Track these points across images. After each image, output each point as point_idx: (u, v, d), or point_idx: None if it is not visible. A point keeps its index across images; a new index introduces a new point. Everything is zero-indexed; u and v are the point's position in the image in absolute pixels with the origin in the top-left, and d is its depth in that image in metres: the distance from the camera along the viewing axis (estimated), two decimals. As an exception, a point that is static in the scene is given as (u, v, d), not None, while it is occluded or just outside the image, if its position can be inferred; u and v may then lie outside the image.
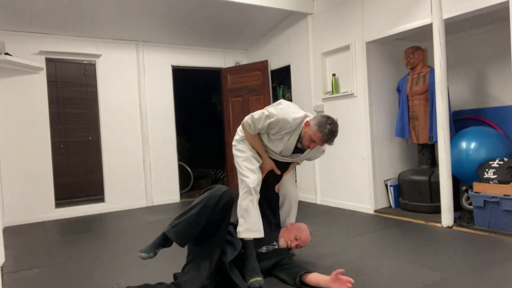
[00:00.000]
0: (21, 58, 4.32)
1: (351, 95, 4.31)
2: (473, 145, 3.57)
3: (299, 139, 2.36)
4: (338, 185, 4.56)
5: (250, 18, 4.97)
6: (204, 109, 7.21)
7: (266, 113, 2.31)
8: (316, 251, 2.85)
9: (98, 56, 4.95)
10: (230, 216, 2.22)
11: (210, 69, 5.86)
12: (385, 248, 2.96)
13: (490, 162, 3.36)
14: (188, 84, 6.54)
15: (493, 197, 3.17)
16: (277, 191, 2.60)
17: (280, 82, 5.77)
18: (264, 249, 2.37)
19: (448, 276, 2.30)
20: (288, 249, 2.46)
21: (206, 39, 5.47)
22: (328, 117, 2.30)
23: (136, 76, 5.20)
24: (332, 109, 4.57)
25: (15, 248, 3.38)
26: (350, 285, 2.03)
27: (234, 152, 2.53)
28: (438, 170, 3.57)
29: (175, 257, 2.32)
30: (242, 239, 2.29)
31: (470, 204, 3.58)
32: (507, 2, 2.95)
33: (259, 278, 2.15)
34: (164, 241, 2.11)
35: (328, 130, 2.25)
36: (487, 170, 3.33)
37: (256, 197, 2.35)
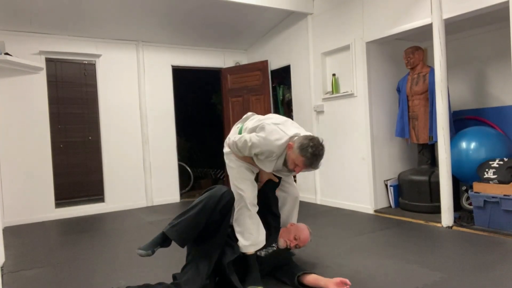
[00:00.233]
0: (21, 58, 4.32)
1: (351, 95, 4.31)
2: (473, 145, 3.57)
3: (285, 162, 2.18)
4: (338, 185, 4.55)
5: (250, 18, 4.97)
6: (204, 109, 7.21)
7: (249, 143, 2.14)
8: (316, 251, 2.85)
9: (98, 56, 4.95)
10: (230, 217, 2.21)
11: (210, 69, 5.86)
12: (385, 248, 2.96)
13: (490, 162, 3.36)
14: (188, 84, 6.54)
15: (493, 197, 3.17)
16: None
17: (280, 82, 5.77)
18: (263, 252, 2.37)
19: (448, 276, 2.30)
20: (287, 249, 2.46)
21: (206, 39, 5.47)
22: (312, 139, 2.09)
23: (136, 76, 5.20)
24: (332, 109, 4.57)
25: (15, 248, 3.38)
26: None
27: (226, 161, 2.39)
28: (438, 170, 3.57)
29: (175, 257, 2.33)
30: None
31: (470, 204, 3.58)
32: (507, 2, 2.95)
33: (259, 287, 2.15)
34: (163, 241, 2.11)
35: (310, 154, 2.05)
36: (487, 170, 3.33)
37: (253, 211, 2.27)
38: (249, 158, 2.28)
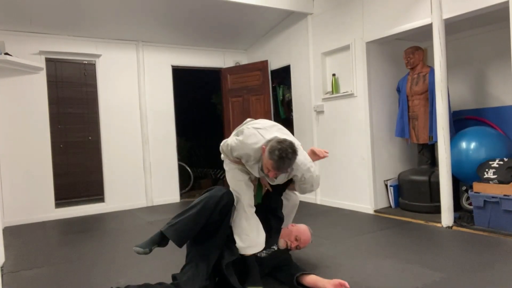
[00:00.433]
0: (21, 58, 4.32)
1: (351, 95, 4.31)
2: (473, 145, 3.57)
3: (262, 167, 2.16)
4: (338, 185, 4.55)
5: (250, 18, 4.97)
6: (204, 109, 7.21)
7: (229, 147, 2.20)
8: (316, 251, 2.85)
9: (98, 56, 4.95)
10: (229, 218, 2.21)
11: (210, 69, 5.85)
12: (385, 248, 2.96)
13: (490, 162, 3.36)
14: (188, 84, 6.54)
15: (493, 197, 3.17)
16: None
17: (280, 82, 5.77)
18: (264, 253, 2.37)
19: (448, 276, 2.30)
20: (288, 250, 2.46)
21: (206, 39, 5.47)
22: (282, 142, 2.03)
23: (136, 76, 5.20)
24: (332, 109, 4.57)
25: (15, 248, 3.38)
26: None
27: (224, 166, 2.44)
28: (438, 170, 3.57)
29: (174, 258, 2.33)
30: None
31: (470, 204, 3.58)
32: (507, 2, 2.95)
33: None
34: (160, 240, 2.10)
35: (276, 156, 1.98)
36: (487, 170, 3.33)
37: (250, 212, 2.27)
38: (240, 162, 2.28)
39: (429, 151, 4.09)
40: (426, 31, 3.61)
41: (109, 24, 4.70)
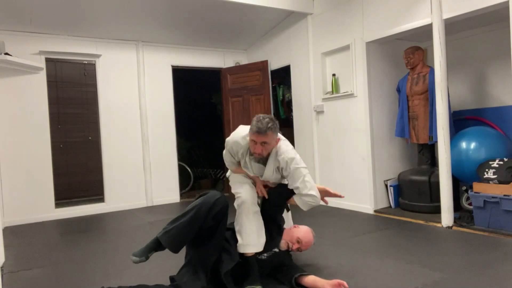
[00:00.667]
0: (21, 58, 4.32)
1: (351, 95, 4.31)
2: (473, 145, 3.57)
3: (250, 152, 2.31)
4: (338, 185, 4.55)
5: (250, 18, 4.97)
6: (204, 109, 7.21)
7: (226, 144, 2.41)
8: (316, 251, 2.84)
9: (98, 56, 4.95)
10: (225, 223, 2.19)
11: (210, 69, 5.85)
12: (385, 248, 2.96)
13: (490, 162, 3.36)
14: (188, 84, 6.54)
15: (493, 197, 3.17)
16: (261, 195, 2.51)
17: (280, 82, 5.77)
18: (264, 256, 2.37)
19: (448, 276, 2.30)
20: (288, 251, 2.45)
21: (206, 39, 5.47)
22: (259, 115, 2.23)
23: (136, 76, 5.20)
24: (332, 109, 4.57)
25: (15, 248, 3.38)
26: None
27: (229, 177, 2.59)
28: (438, 170, 3.57)
29: (174, 258, 2.32)
30: (241, 253, 2.27)
31: (470, 204, 3.58)
32: (507, 2, 2.95)
33: (258, 286, 2.15)
34: (157, 245, 2.09)
35: (254, 125, 2.17)
36: (487, 170, 3.33)
37: (251, 209, 2.29)
38: (239, 169, 2.45)
39: (429, 151, 4.09)
40: (426, 31, 3.61)
41: (109, 24, 4.70)
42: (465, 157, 3.57)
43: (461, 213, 3.62)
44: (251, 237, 2.25)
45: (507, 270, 2.36)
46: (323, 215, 4.19)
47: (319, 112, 4.73)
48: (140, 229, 3.95)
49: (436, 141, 3.59)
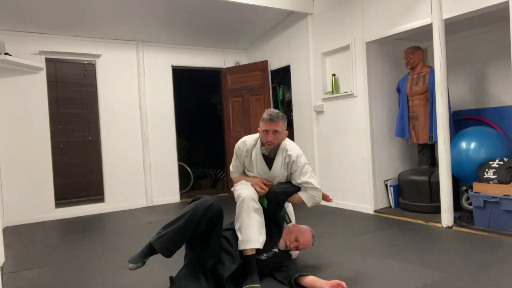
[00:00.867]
0: (21, 58, 4.32)
1: (351, 95, 4.31)
2: (473, 145, 3.57)
3: (262, 144, 2.46)
4: (338, 185, 4.55)
5: (250, 18, 4.97)
6: (204, 109, 7.21)
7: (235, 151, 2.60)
8: (316, 251, 2.84)
9: (98, 56, 4.95)
10: (220, 227, 2.18)
11: (210, 69, 5.85)
12: (385, 248, 2.96)
13: (490, 162, 3.36)
14: (188, 84, 6.54)
15: (493, 197, 3.17)
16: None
17: (280, 82, 5.77)
18: (264, 256, 2.36)
19: (448, 276, 2.30)
20: (287, 250, 2.45)
21: (206, 39, 5.47)
22: (268, 109, 2.52)
23: (136, 76, 5.20)
24: (332, 109, 4.57)
25: (15, 248, 3.38)
26: None
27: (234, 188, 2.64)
28: (438, 170, 3.56)
29: (174, 258, 2.32)
30: (242, 252, 2.27)
31: (470, 204, 3.58)
32: (507, 2, 2.95)
33: (256, 285, 2.15)
34: (152, 250, 2.07)
35: (266, 113, 2.42)
36: (487, 170, 3.33)
37: (252, 206, 2.30)
38: (243, 177, 2.58)
39: (429, 151, 4.09)
40: (426, 31, 3.61)
41: (109, 24, 4.70)
42: (465, 157, 3.57)
43: (461, 213, 3.62)
44: (251, 233, 2.25)
45: (507, 270, 2.36)
46: (323, 215, 4.19)
47: (319, 112, 4.73)
48: (140, 229, 3.95)
49: (436, 141, 3.59)
